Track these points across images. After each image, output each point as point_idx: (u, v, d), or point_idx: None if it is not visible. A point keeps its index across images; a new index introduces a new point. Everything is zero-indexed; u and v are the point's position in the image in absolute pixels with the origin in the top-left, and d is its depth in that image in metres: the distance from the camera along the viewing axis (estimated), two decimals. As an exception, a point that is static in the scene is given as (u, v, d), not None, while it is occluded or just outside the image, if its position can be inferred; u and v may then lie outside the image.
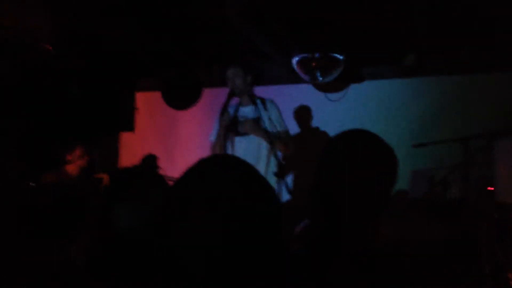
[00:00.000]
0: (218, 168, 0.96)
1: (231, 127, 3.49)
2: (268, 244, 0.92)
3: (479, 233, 2.87)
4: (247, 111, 3.60)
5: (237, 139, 3.52)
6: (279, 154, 3.56)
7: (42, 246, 1.79)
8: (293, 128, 5.38)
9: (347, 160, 1.26)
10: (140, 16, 4.23)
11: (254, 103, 3.56)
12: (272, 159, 3.50)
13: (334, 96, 5.36)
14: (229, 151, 3.47)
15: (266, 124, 3.48)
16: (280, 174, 3.20)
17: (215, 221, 0.88)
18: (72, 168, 4.19)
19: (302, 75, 4.76)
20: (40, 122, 4.33)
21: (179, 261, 0.90)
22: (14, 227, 1.87)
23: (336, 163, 1.28)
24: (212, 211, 0.89)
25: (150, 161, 4.85)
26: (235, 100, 3.60)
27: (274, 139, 3.43)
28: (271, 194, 0.96)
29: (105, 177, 4.18)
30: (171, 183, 1.49)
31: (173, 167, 4.76)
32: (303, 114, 5.41)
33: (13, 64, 4.24)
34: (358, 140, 1.31)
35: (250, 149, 3.50)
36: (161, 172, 4.60)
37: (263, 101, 3.61)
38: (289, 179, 4.77)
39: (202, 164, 0.97)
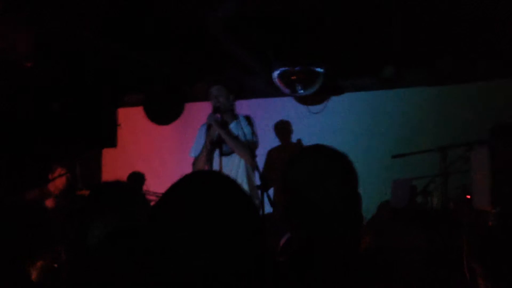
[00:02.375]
0: (202, 184, 0.98)
1: (216, 146, 3.51)
2: (251, 256, 0.94)
3: (459, 241, 2.91)
4: (231, 129, 3.64)
5: (223, 158, 3.54)
6: (260, 167, 3.58)
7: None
8: (274, 140, 5.42)
9: (309, 171, 1.33)
10: (123, 32, 4.24)
11: (236, 119, 3.60)
12: (255, 173, 3.55)
13: (315, 108, 5.41)
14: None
15: (241, 137, 3.52)
16: (263, 188, 3.23)
17: (199, 236, 0.90)
18: (54, 186, 4.16)
19: (283, 88, 4.81)
20: (21, 139, 4.29)
21: (162, 277, 0.91)
22: None
23: (299, 175, 1.34)
24: (196, 226, 0.91)
25: (136, 178, 4.81)
26: (218, 117, 3.62)
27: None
28: (252, 208, 0.99)
29: (87, 194, 4.15)
30: (154, 198, 1.51)
31: (156, 182, 4.74)
32: (284, 126, 5.45)
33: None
34: (317, 154, 1.38)
35: (233, 166, 3.53)
36: (144, 187, 4.59)
37: (243, 117, 3.66)
38: (272, 192, 4.79)
39: (186, 180, 0.99)
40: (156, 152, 5.90)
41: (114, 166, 5.74)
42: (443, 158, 3.46)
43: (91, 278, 1.32)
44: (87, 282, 1.31)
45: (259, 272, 0.95)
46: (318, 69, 4.64)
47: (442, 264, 3.05)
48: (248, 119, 3.67)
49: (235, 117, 3.64)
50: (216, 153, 3.55)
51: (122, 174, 5.03)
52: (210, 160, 3.51)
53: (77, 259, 1.36)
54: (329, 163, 1.34)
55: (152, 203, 1.43)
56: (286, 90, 4.77)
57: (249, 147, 3.52)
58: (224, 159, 3.55)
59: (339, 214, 1.29)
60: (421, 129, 4.99)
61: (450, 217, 3.25)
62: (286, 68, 4.62)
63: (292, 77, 4.62)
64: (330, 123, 5.32)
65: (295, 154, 1.40)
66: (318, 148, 1.40)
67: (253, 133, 3.62)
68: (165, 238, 0.92)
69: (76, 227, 1.38)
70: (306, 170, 1.33)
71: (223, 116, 3.63)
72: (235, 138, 3.53)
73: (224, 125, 3.57)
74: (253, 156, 3.51)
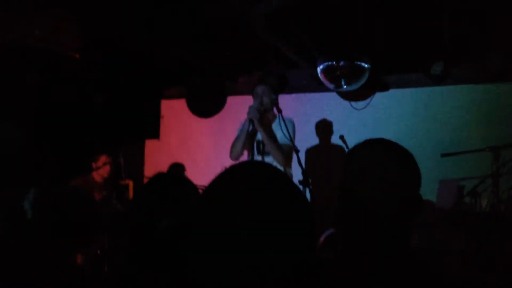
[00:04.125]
0: (251, 173, 0.94)
1: (258, 148, 3.57)
2: (300, 250, 0.90)
3: (510, 245, 2.79)
4: (273, 128, 3.64)
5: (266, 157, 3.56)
6: (303, 163, 3.56)
7: (53, 250, 1.80)
8: (316, 137, 5.35)
9: (369, 167, 1.26)
10: (166, 25, 4.27)
11: (278, 118, 3.58)
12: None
13: (359, 104, 5.31)
14: None
15: (281, 138, 3.51)
16: (305, 183, 3.19)
17: (246, 226, 0.87)
18: (98, 175, 4.24)
19: (327, 83, 4.73)
20: (67, 129, 4.39)
21: (206, 265, 0.89)
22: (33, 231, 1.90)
23: (358, 171, 1.28)
24: (243, 216, 0.88)
25: (177, 169, 4.87)
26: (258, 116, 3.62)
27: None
28: (303, 201, 0.94)
29: (130, 184, 4.21)
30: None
31: (197, 174, 4.77)
32: (327, 122, 5.37)
33: (41, 72, 4.33)
34: (378, 147, 1.32)
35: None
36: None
37: (289, 121, 3.64)
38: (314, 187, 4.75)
39: (234, 169, 0.96)
40: (198, 144, 5.93)
41: (157, 157, 5.82)
42: (495, 158, 3.32)
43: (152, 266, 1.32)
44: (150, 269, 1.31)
45: (307, 268, 0.92)
46: (364, 64, 4.54)
47: (491, 268, 2.94)
48: (291, 121, 3.64)
49: (278, 115, 3.62)
50: (255, 150, 3.59)
51: (164, 165, 5.09)
52: (249, 144, 3.53)
53: (136, 250, 1.36)
54: (390, 161, 1.27)
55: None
56: (330, 85, 4.69)
57: (286, 150, 3.51)
58: (265, 157, 3.57)
59: (393, 216, 1.24)
60: (469, 127, 4.83)
61: (501, 220, 3.12)
62: (331, 63, 4.54)
63: (337, 72, 4.54)
64: (374, 119, 5.21)
65: (354, 150, 1.33)
66: (378, 143, 1.32)
67: (292, 138, 3.59)
68: (212, 228, 0.89)
69: (137, 219, 1.38)
70: (364, 165, 1.27)
71: (265, 115, 3.63)
72: (274, 140, 3.52)
73: (265, 126, 3.57)
74: (287, 158, 3.51)
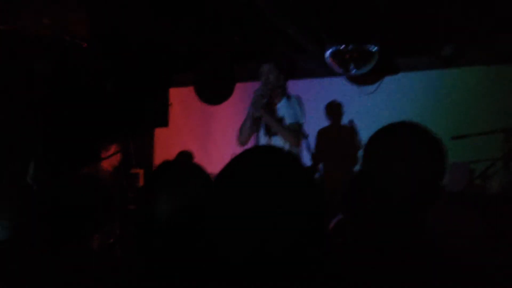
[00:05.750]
0: (264, 158, 0.95)
1: (266, 129, 3.56)
2: (313, 234, 0.91)
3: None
4: (278, 108, 3.62)
5: (273, 138, 3.55)
6: (312, 147, 3.54)
7: (65, 239, 1.82)
8: (325, 121, 5.34)
9: (394, 150, 1.25)
10: (175, 11, 4.26)
11: (286, 98, 3.57)
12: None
13: (368, 88, 5.27)
14: None
15: (290, 117, 3.49)
16: (314, 168, 3.19)
17: (261, 210, 0.88)
18: (107, 164, 4.27)
19: (335, 68, 4.70)
20: (76, 118, 4.41)
21: (220, 249, 0.90)
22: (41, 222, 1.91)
23: (382, 153, 1.26)
24: (257, 200, 0.88)
25: (185, 156, 4.89)
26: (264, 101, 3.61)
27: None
28: (313, 185, 0.95)
29: (140, 172, 4.24)
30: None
31: (207, 161, 4.78)
32: (336, 107, 5.35)
33: (50, 61, 4.34)
34: (405, 131, 1.30)
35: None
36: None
37: (294, 97, 3.63)
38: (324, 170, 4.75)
39: (248, 154, 0.96)
40: (207, 132, 5.95)
41: (166, 145, 5.84)
42: (507, 140, 3.29)
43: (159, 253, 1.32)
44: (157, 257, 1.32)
45: (318, 252, 0.92)
46: (373, 48, 4.50)
47: (500, 251, 2.93)
48: (298, 99, 3.64)
49: (285, 96, 3.61)
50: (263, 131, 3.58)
51: (174, 153, 5.11)
52: (256, 128, 3.52)
53: (140, 235, 1.36)
54: (419, 143, 1.25)
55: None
56: (339, 70, 4.66)
57: (296, 129, 3.50)
58: (272, 138, 3.57)
59: (411, 202, 1.23)
60: (480, 110, 4.78)
61: (511, 202, 3.10)
62: (339, 47, 4.51)
63: (345, 56, 4.51)
64: (383, 103, 5.17)
65: (379, 132, 1.31)
66: (405, 126, 1.30)
67: (302, 114, 3.58)
68: (225, 211, 0.90)
69: (140, 205, 1.38)
70: (387, 149, 1.26)
71: (271, 95, 3.62)
72: (280, 123, 3.51)
73: (270, 109, 3.55)
74: (299, 137, 3.48)
